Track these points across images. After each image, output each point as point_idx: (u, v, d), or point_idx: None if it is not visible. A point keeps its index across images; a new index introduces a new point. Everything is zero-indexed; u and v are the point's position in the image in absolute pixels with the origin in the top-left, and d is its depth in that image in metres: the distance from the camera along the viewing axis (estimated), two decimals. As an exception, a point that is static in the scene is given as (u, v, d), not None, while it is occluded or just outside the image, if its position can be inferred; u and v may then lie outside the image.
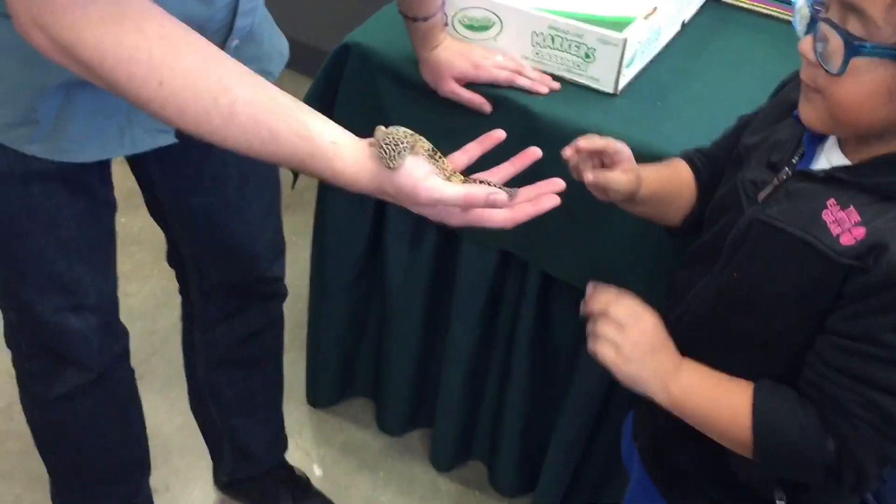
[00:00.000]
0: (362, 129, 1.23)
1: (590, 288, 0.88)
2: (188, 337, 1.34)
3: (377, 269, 1.39)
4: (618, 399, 1.26)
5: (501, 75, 1.14)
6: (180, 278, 1.29)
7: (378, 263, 1.39)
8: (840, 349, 0.72)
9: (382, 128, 0.76)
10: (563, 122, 1.10)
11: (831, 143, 0.78)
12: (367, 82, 1.22)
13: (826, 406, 0.73)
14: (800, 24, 0.73)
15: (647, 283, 1.10)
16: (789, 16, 1.38)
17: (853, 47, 0.66)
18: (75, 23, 0.66)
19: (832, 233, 0.72)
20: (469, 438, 1.50)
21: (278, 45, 1.08)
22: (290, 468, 1.50)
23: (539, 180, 1.14)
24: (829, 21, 0.68)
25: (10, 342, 1.14)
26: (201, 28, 0.89)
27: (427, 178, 0.75)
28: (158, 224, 1.21)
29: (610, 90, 1.15)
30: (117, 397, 1.22)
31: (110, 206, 1.05)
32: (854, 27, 0.66)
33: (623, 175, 0.90)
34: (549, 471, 1.36)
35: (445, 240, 1.30)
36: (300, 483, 1.50)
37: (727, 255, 0.82)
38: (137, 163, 1.06)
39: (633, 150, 1.05)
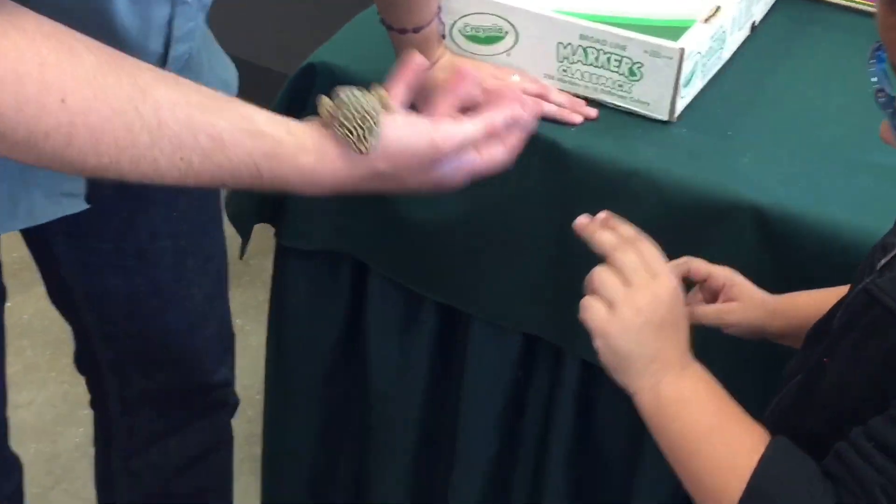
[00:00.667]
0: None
1: (602, 214, 0.90)
2: (103, 465, 1.32)
3: (356, 362, 1.39)
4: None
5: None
6: (93, 387, 1.28)
7: (358, 355, 1.38)
8: (891, 420, 0.71)
9: (326, 99, 0.75)
10: (604, 159, 1.12)
11: None
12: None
13: (847, 484, 0.71)
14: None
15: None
16: (890, 12, 1.40)
17: None
18: None
19: None
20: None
21: (223, 75, 1.10)
22: None
23: (575, 254, 1.15)
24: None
25: None
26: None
27: (436, 126, 0.79)
28: (64, 314, 1.21)
29: (664, 116, 1.16)
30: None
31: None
32: None
33: (742, 312, 0.94)
34: None
35: (449, 321, 1.30)
36: None
37: (829, 335, 0.83)
38: (35, 235, 1.06)
39: (700, 194, 1.08)
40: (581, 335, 1.17)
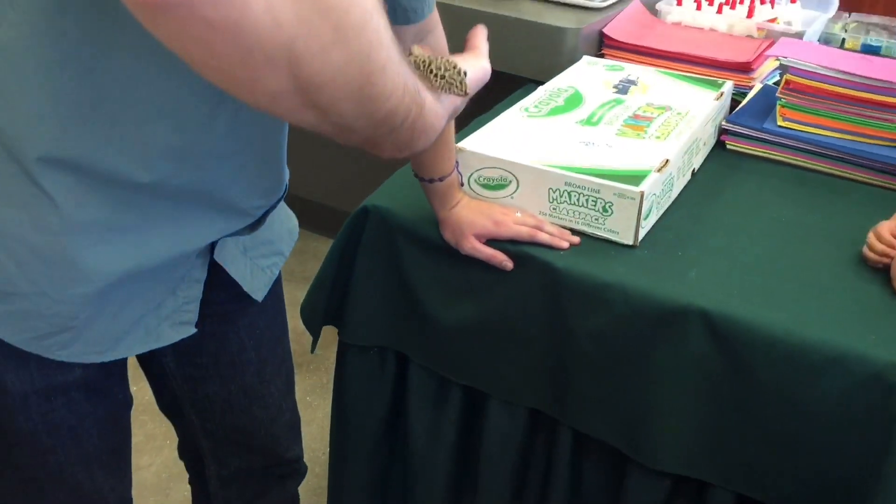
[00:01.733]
0: (382, 289, 1.25)
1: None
2: None
3: (400, 431, 1.36)
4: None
5: (522, 231, 1.14)
6: (192, 469, 1.25)
7: (401, 425, 1.35)
8: None
9: (418, 54, 0.65)
10: (586, 275, 1.10)
11: None
12: (387, 243, 1.23)
13: None
14: None
15: (689, 442, 1.07)
16: (794, 160, 1.41)
17: None
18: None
19: None
20: None
21: (288, 225, 1.08)
22: None
23: (566, 347, 1.13)
24: None
25: None
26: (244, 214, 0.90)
27: (479, 58, 0.73)
28: (171, 417, 1.18)
29: (630, 242, 1.15)
30: None
31: (128, 405, 1.02)
32: None
33: None
34: None
35: (471, 398, 1.27)
36: None
37: None
38: (148, 356, 1.03)
39: (659, 301, 1.06)
40: (575, 409, 1.16)
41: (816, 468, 1.02)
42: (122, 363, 0.96)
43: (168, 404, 1.15)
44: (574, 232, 1.17)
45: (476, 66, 0.71)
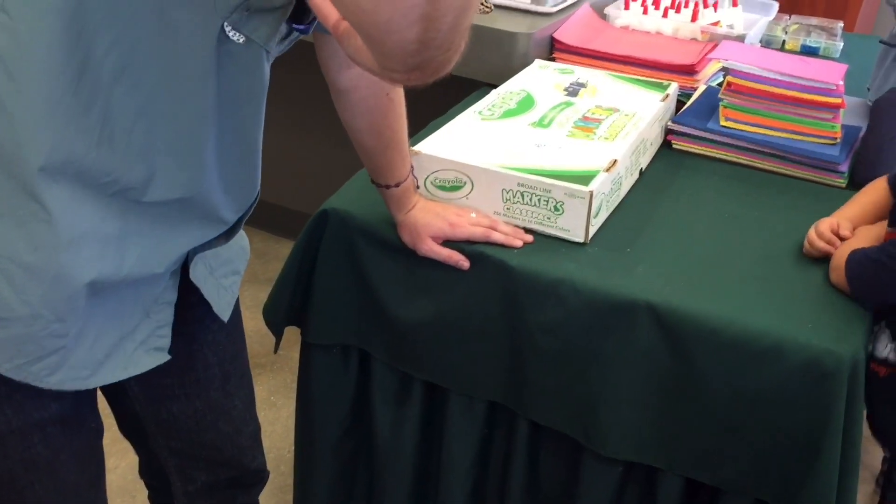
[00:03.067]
0: (344, 289, 1.27)
1: None
2: None
3: (364, 427, 1.37)
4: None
5: (477, 232, 1.17)
6: (156, 488, 1.24)
7: (365, 421, 1.36)
8: None
9: None
10: (539, 272, 1.13)
11: None
12: (347, 244, 1.25)
13: None
14: None
15: (639, 429, 1.11)
16: (737, 158, 1.46)
17: None
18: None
19: None
20: None
21: (242, 243, 1.08)
22: None
23: (522, 341, 1.15)
24: None
25: None
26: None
27: None
28: (132, 440, 1.18)
29: (581, 240, 1.18)
30: None
31: (100, 434, 1.01)
32: None
33: None
34: None
35: (432, 394, 1.30)
36: None
37: None
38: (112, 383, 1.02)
39: (608, 295, 1.09)
40: (531, 401, 1.19)
41: (759, 451, 1.06)
42: (93, 393, 0.96)
43: (130, 426, 1.14)
44: (527, 231, 1.20)
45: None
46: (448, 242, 1.18)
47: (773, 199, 1.35)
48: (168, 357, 0.95)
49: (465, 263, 1.16)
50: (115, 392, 1.07)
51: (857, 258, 1.06)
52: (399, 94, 1.08)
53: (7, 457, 0.89)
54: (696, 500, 1.16)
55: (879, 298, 1.07)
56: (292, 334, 1.36)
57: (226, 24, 0.75)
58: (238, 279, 1.07)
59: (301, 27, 0.84)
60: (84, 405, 0.94)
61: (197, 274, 0.96)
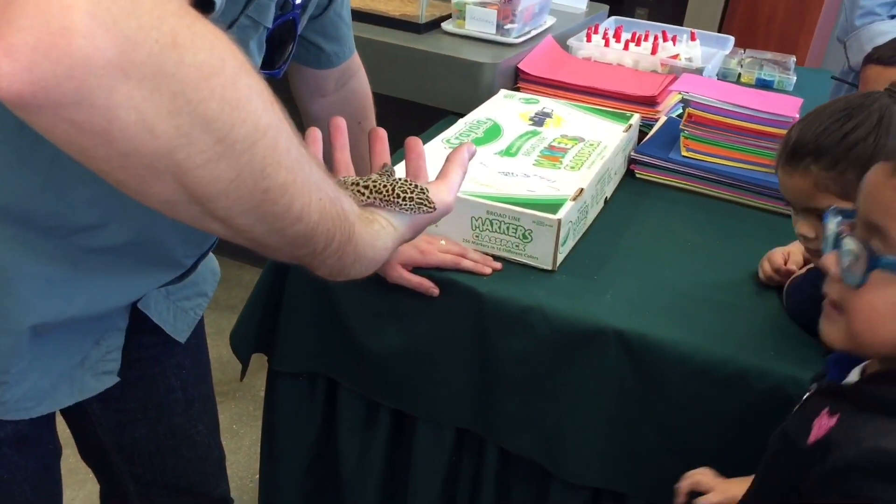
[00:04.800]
0: (312, 316, 1.26)
1: None
2: None
3: (330, 455, 1.36)
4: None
5: (446, 259, 1.17)
6: None
7: (331, 449, 1.35)
8: None
9: (377, 183, 0.67)
10: (508, 299, 1.14)
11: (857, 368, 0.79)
12: (315, 272, 1.24)
13: None
14: (828, 242, 0.75)
15: (605, 455, 1.12)
16: (697, 188, 1.49)
17: (874, 259, 0.68)
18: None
19: (809, 435, 0.73)
20: None
21: (211, 265, 1.07)
22: None
23: (490, 368, 1.15)
24: (854, 237, 0.71)
25: None
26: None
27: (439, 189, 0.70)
28: (93, 466, 1.15)
29: (549, 267, 1.19)
30: None
31: (58, 455, 0.99)
32: (876, 245, 0.69)
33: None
34: None
35: (399, 422, 1.29)
36: None
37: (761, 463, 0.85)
38: (73, 406, 0.98)
39: (577, 322, 1.11)
40: (500, 427, 1.19)
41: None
42: (51, 414, 0.93)
43: (92, 451, 1.12)
44: (496, 258, 1.20)
45: (438, 198, 0.72)
46: (418, 270, 1.18)
47: (733, 227, 1.38)
48: (117, 380, 0.93)
49: (434, 290, 1.16)
50: (75, 415, 1.05)
51: (793, 286, 1.11)
52: (370, 124, 1.09)
53: None
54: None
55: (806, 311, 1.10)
56: (256, 361, 1.34)
57: None
58: (204, 302, 1.05)
59: (272, 72, 0.83)
60: (41, 426, 0.91)
61: (146, 300, 0.94)
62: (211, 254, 1.06)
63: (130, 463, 1.09)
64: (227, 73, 0.45)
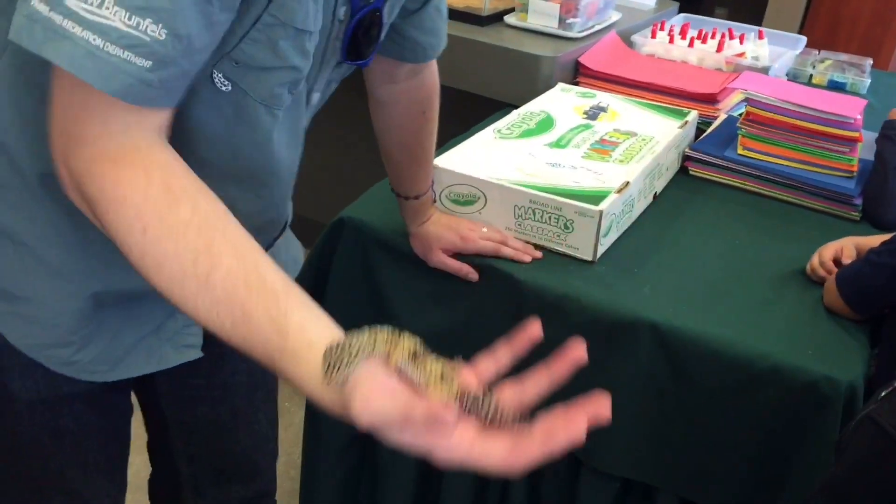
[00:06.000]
0: (356, 297, 1.30)
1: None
2: None
3: (370, 437, 1.38)
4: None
5: (487, 246, 1.20)
6: (161, 500, 1.23)
7: (369, 436, 1.37)
8: None
9: (341, 340, 0.58)
10: (546, 288, 1.16)
11: None
12: (360, 253, 1.28)
13: None
14: None
15: (636, 447, 1.12)
16: (752, 187, 1.48)
17: None
18: (90, 156, 0.64)
19: None
20: None
21: (294, 253, 1.07)
22: None
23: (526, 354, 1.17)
24: None
25: None
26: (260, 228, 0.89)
27: (361, 388, 0.56)
28: (150, 444, 1.16)
29: (589, 258, 1.21)
30: None
31: (128, 415, 1.01)
32: None
33: None
34: None
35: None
36: None
37: (840, 449, 0.84)
38: (142, 376, 0.98)
39: (613, 313, 1.12)
40: (530, 415, 1.20)
41: (755, 474, 1.07)
42: (127, 378, 0.96)
43: (154, 425, 1.13)
44: (537, 247, 1.22)
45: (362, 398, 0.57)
46: (459, 256, 1.21)
47: (785, 228, 1.37)
48: (200, 354, 0.95)
49: (473, 276, 1.19)
50: (145, 385, 1.07)
51: (845, 272, 1.09)
52: (434, 114, 1.12)
53: (34, 424, 0.91)
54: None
55: (872, 302, 1.08)
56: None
57: (214, 70, 0.72)
58: None
59: (362, 62, 0.85)
60: (116, 387, 0.94)
61: None
62: (296, 242, 1.10)
63: (187, 442, 1.12)
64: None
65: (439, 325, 1.24)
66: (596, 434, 1.13)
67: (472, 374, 0.60)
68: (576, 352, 0.60)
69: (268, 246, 0.99)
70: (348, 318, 1.29)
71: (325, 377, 0.57)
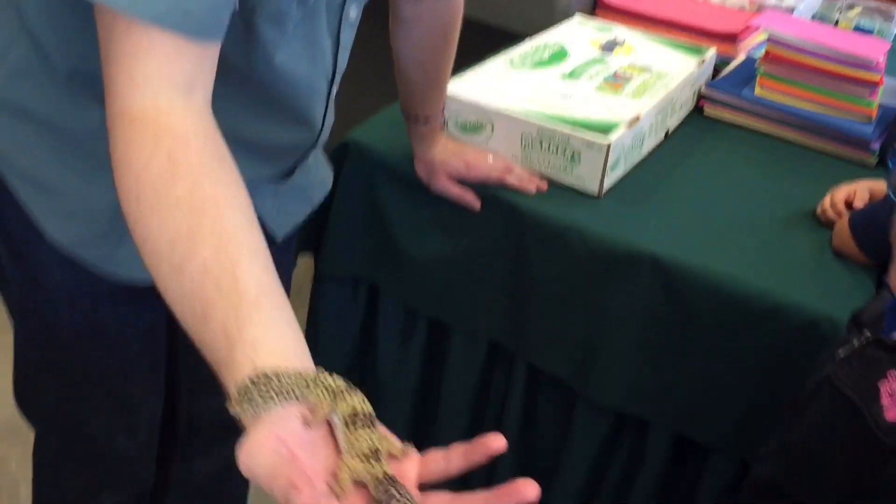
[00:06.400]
0: (359, 222, 1.30)
1: None
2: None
3: (368, 361, 1.41)
4: (601, 497, 1.26)
5: (492, 174, 1.19)
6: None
7: (369, 356, 1.40)
8: None
9: (277, 371, 0.51)
10: (549, 219, 1.15)
11: None
12: (365, 177, 1.27)
13: None
14: None
15: (631, 380, 1.13)
16: (768, 128, 1.45)
17: None
18: (115, 112, 0.61)
19: (882, 404, 0.69)
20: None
21: (323, 174, 1.07)
22: None
23: (526, 284, 1.17)
24: None
25: (40, 469, 1.07)
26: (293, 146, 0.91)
27: (256, 434, 0.50)
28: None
29: (595, 191, 1.19)
30: None
31: (167, 321, 0.99)
32: None
33: None
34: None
35: (436, 332, 1.33)
36: None
37: (797, 409, 0.83)
38: None
39: (615, 246, 1.11)
40: (531, 343, 1.21)
41: (750, 412, 1.07)
42: None
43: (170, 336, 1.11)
44: (542, 178, 1.21)
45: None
46: (464, 184, 1.20)
47: (798, 171, 1.34)
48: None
49: (476, 204, 1.18)
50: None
51: (859, 214, 1.08)
52: (454, 38, 1.10)
53: (74, 320, 0.91)
54: (684, 459, 1.18)
55: (884, 246, 1.06)
56: (301, 270, 1.37)
57: None
58: (307, 210, 1.05)
59: None
60: (154, 289, 0.94)
61: (253, 191, 0.94)
62: (326, 165, 1.09)
63: (191, 353, 1.11)
64: None
65: (441, 253, 1.24)
66: (592, 366, 1.15)
67: (415, 466, 0.53)
68: (526, 491, 0.51)
69: (296, 163, 0.97)
70: (352, 243, 1.31)
71: (232, 403, 0.51)
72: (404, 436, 1.30)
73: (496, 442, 0.52)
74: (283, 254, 1.11)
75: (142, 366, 1.00)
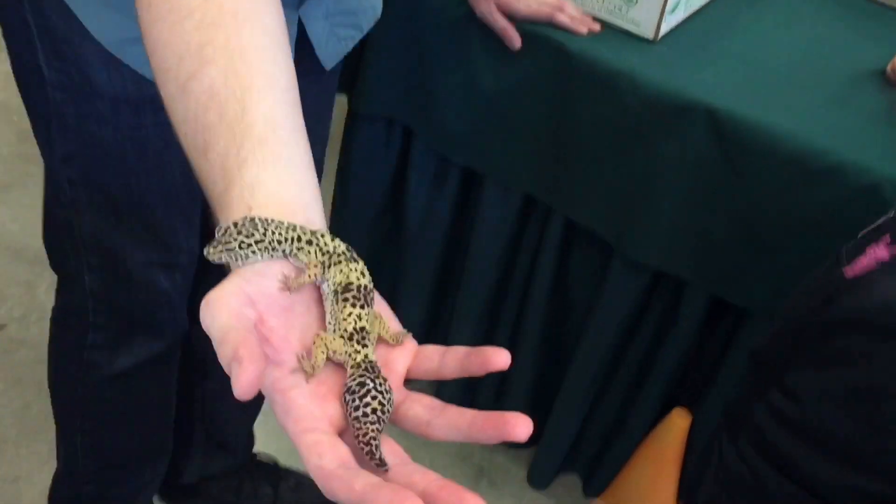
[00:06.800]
0: (396, 60, 1.23)
1: None
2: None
3: (398, 208, 1.37)
4: (629, 357, 1.24)
5: (542, 10, 1.11)
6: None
7: (399, 202, 1.36)
8: None
9: (269, 218, 0.45)
10: (599, 63, 1.08)
11: None
12: (404, 8, 1.19)
13: None
14: None
15: (673, 238, 1.08)
16: (843, -19, 1.34)
17: None
18: None
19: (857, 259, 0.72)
20: (475, 387, 1.48)
21: (373, 1, 0.99)
22: (256, 456, 1.39)
23: (568, 133, 1.12)
24: None
25: (72, 313, 1.03)
26: None
27: (223, 288, 0.44)
28: None
29: (650, 36, 1.11)
30: (171, 375, 1.12)
31: None
32: None
33: None
34: (556, 422, 1.34)
35: (468, 181, 1.28)
36: (271, 469, 1.38)
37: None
38: None
39: (668, 94, 1.04)
40: (568, 197, 1.16)
41: (795, 277, 1.02)
42: None
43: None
44: (596, 20, 1.13)
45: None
46: (510, 19, 1.12)
47: (873, 28, 1.24)
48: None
49: (517, 41, 1.11)
50: None
51: None
52: None
53: (118, 129, 0.86)
54: (719, 323, 1.15)
55: None
56: (340, 112, 1.32)
57: None
58: (357, 35, 0.98)
59: None
60: None
61: (307, 11, 0.89)
62: None
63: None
64: None
65: (480, 96, 1.18)
66: (633, 221, 1.10)
67: (407, 357, 0.47)
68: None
69: None
70: (387, 82, 1.25)
71: (206, 246, 0.45)
72: (429, 289, 1.26)
73: (499, 357, 0.45)
74: (330, 84, 1.05)
75: (182, 197, 0.94)
